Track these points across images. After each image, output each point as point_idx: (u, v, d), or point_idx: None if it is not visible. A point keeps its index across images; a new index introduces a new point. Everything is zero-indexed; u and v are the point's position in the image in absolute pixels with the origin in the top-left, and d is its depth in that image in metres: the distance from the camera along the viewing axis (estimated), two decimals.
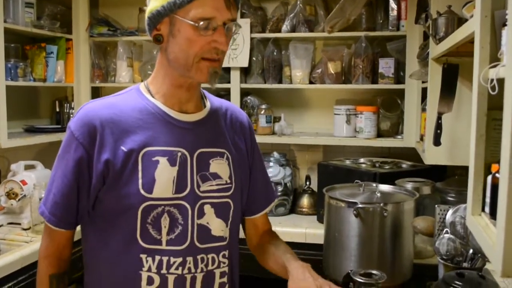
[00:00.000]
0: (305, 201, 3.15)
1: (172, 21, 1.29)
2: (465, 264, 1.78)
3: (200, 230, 1.36)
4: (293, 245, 2.77)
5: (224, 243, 1.43)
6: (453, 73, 1.92)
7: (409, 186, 2.33)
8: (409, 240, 2.06)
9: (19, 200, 2.66)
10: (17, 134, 2.98)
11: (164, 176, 1.32)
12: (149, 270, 1.32)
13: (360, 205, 1.97)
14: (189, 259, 1.34)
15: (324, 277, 2.15)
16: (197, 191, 1.36)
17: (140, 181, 1.29)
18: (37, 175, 2.79)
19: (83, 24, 3.35)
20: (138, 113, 1.34)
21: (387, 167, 2.75)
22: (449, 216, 1.78)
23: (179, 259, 1.33)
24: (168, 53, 1.33)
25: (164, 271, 1.32)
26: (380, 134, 3.09)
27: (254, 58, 3.18)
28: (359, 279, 1.54)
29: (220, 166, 1.41)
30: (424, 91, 2.62)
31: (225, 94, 3.31)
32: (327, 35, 3.05)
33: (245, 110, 3.29)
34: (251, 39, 3.15)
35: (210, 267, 1.39)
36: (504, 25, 0.99)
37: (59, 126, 3.38)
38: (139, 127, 1.33)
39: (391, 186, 2.26)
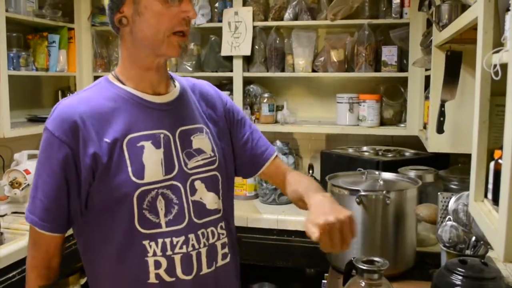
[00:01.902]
0: None
1: (135, 0, 1.28)
2: (467, 252, 1.78)
3: (195, 206, 1.37)
4: (296, 233, 2.81)
5: (219, 215, 1.44)
6: (457, 60, 1.91)
7: (412, 174, 2.33)
8: (412, 227, 2.06)
9: (22, 189, 2.67)
10: (20, 124, 2.99)
11: (152, 159, 1.31)
12: (155, 254, 1.32)
13: (363, 193, 1.97)
14: (191, 236, 1.35)
15: (327, 264, 2.17)
16: (185, 169, 1.36)
17: (129, 168, 1.28)
18: None
19: (85, 13, 3.34)
20: (113, 102, 1.32)
21: (390, 155, 2.74)
22: (451, 203, 1.78)
23: (182, 238, 1.34)
24: (135, 33, 1.31)
25: (169, 252, 1.33)
26: (383, 122, 3.08)
27: (256, 47, 3.17)
28: (361, 266, 1.54)
29: (202, 141, 1.42)
30: (427, 79, 2.61)
31: (228, 83, 3.31)
32: (329, 23, 3.05)
33: (247, 98, 3.29)
34: (254, 27, 3.14)
35: (211, 241, 1.40)
36: (508, 10, 0.98)
37: None
38: (117, 116, 1.31)
39: (394, 174, 2.25)
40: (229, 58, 3.21)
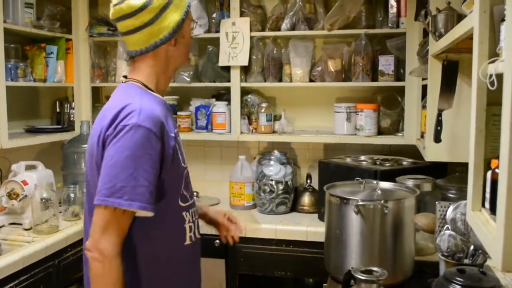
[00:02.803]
0: (306, 199, 3.15)
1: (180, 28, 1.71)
2: (466, 261, 1.78)
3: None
4: (295, 243, 2.80)
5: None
6: (453, 70, 1.92)
7: (409, 183, 2.33)
8: (410, 237, 2.06)
9: (20, 200, 2.66)
10: (18, 135, 2.98)
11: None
12: (189, 221, 1.74)
13: (360, 203, 1.97)
14: (194, 209, 1.80)
15: (326, 274, 2.17)
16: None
17: (180, 156, 1.68)
18: (38, 175, 2.80)
19: (82, 24, 3.35)
20: (160, 106, 1.67)
21: (387, 164, 2.75)
22: (449, 212, 1.78)
23: (194, 209, 1.80)
24: (171, 53, 1.71)
25: (194, 218, 1.78)
26: (380, 131, 3.09)
27: (254, 57, 3.18)
28: (360, 276, 1.54)
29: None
30: (424, 88, 2.62)
31: (225, 93, 3.31)
32: (327, 33, 3.06)
33: (245, 108, 3.30)
34: (251, 37, 3.15)
35: (196, 215, 1.84)
36: (503, 20, 0.99)
37: (60, 127, 3.38)
38: (166, 116, 1.66)
39: (392, 183, 2.26)
40: (227, 68, 3.22)
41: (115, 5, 1.65)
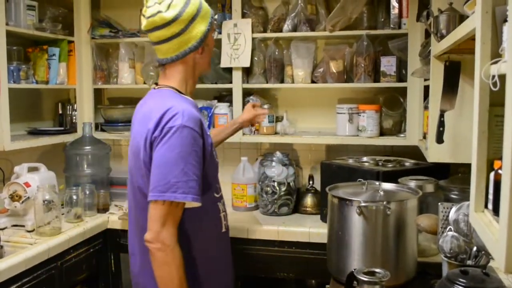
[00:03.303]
0: (308, 200, 3.15)
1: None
2: (469, 262, 1.77)
3: None
4: (297, 244, 2.80)
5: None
6: (455, 71, 1.92)
7: (412, 184, 2.33)
8: (412, 238, 2.06)
9: (22, 202, 2.67)
10: (20, 137, 2.99)
11: None
12: (222, 211, 1.99)
13: (363, 204, 1.97)
14: (223, 201, 2.03)
15: (328, 276, 2.17)
16: None
17: (214, 151, 1.92)
18: (40, 177, 2.80)
19: (84, 26, 3.36)
20: (195, 108, 1.89)
21: (390, 165, 2.74)
22: (452, 213, 1.77)
23: (223, 200, 2.02)
24: (198, 60, 1.94)
25: (225, 207, 2.02)
26: (382, 132, 3.09)
27: (255, 58, 3.18)
28: (362, 278, 1.54)
29: None
30: (426, 89, 2.61)
31: (227, 94, 3.31)
32: (328, 34, 3.06)
33: None
34: (253, 39, 3.15)
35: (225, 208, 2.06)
36: (505, 21, 0.99)
37: (62, 128, 3.39)
38: (200, 117, 1.82)
39: (394, 184, 2.25)
40: (229, 70, 3.22)
41: (149, 17, 1.83)
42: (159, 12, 1.81)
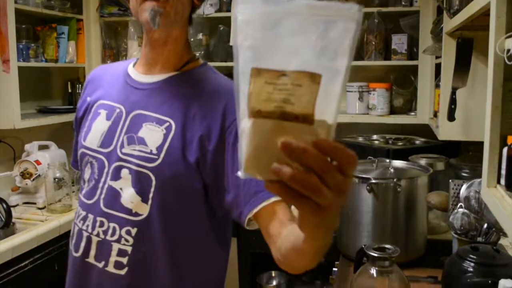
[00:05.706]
0: None
1: None
2: (479, 239, 1.77)
3: (109, 192, 1.27)
4: None
5: (134, 218, 1.25)
6: (468, 47, 1.90)
7: (422, 162, 2.32)
8: (422, 215, 2.06)
9: (33, 179, 2.69)
10: (30, 115, 3.00)
11: (97, 128, 1.33)
12: (77, 217, 1.34)
13: (373, 181, 1.97)
14: (90, 216, 1.28)
15: (337, 253, 2.17)
16: (119, 151, 1.27)
17: (84, 129, 1.37)
18: (51, 155, 2.82)
19: (93, 4, 3.34)
20: (116, 73, 1.41)
21: (400, 143, 2.73)
22: (463, 190, 1.77)
23: (83, 213, 1.30)
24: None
25: (75, 219, 1.34)
26: (393, 111, 3.07)
27: None
28: (373, 254, 1.55)
29: (151, 133, 1.26)
30: (437, 67, 2.59)
31: None
32: None
33: None
34: None
35: (108, 237, 1.26)
36: None
37: (72, 107, 3.39)
38: (107, 85, 1.40)
39: (405, 162, 2.25)
40: None
41: None
42: None
